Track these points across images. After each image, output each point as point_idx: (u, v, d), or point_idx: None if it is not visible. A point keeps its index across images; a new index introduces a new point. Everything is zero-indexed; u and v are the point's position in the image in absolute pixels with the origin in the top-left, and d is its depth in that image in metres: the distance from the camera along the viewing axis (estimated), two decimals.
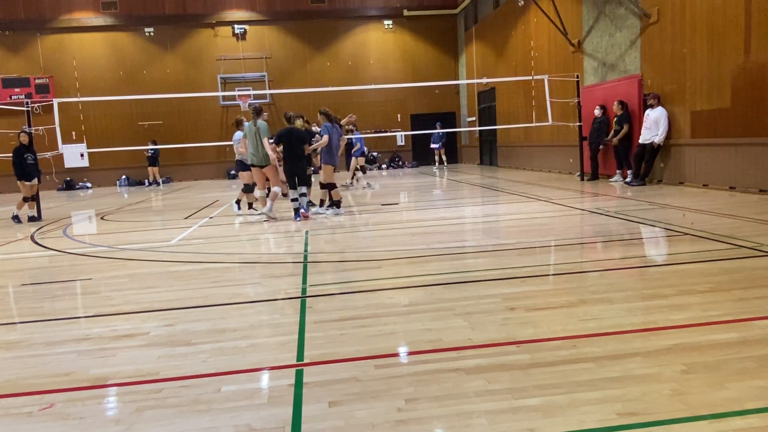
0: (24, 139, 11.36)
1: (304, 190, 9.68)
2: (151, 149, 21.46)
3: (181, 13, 23.89)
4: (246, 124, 9.77)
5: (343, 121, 10.92)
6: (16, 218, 11.40)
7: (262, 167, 9.56)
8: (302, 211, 9.55)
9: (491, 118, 21.78)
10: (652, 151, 11.50)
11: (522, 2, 17.94)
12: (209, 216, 10.91)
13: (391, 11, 24.86)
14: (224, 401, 2.82)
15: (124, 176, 23.83)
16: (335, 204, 9.96)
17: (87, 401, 2.92)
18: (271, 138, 9.62)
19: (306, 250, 6.79)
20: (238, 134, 10.69)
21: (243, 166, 10.42)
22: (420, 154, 25.52)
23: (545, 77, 14.53)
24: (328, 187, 10.04)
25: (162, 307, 4.62)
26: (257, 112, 9.56)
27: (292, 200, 9.61)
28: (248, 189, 10.68)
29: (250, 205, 10.78)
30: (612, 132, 12.70)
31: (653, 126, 11.36)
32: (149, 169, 22.23)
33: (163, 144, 20.90)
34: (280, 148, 9.48)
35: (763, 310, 3.71)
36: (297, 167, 9.44)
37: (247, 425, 2.57)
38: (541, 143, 17.74)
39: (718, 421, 2.37)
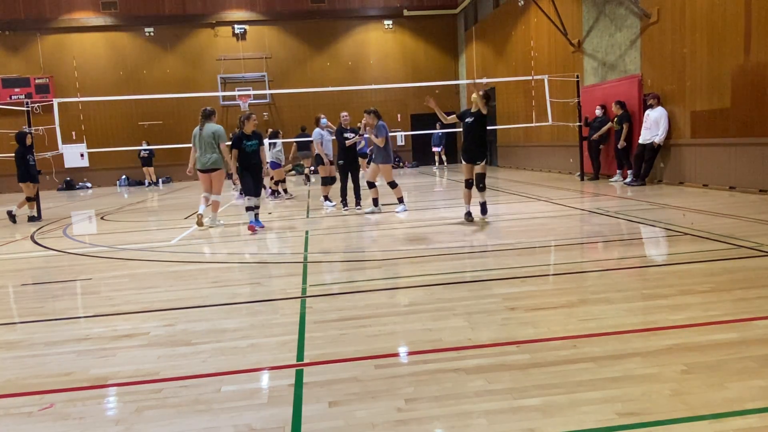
0: (28, 140, 11.33)
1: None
2: (146, 150, 21.58)
3: (181, 13, 23.88)
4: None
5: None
6: (12, 217, 11.17)
7: (209, 171, 8.92)
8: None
9: (491, 118, 21.76)
10: (652, 151, 11.50)
11: (522, 2, 17.94)
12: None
13: (391, 11, 24.85)
14: (224, 401, 2.82)
15: (124, 176, 23.83)
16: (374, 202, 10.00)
17: (87, 401, 2.92)
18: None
19: (306, 250, 6.79)
20: (318, 131, 11.27)
21: (320, 160, 11.37)
22: (420, 154, 25.52)
23: (545, 77, 14.53)
24: (392, 185, 9.81)
25: (162, 307, 4.62)
26: (207, 115, 8.89)
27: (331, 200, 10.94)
28: (328, 182, 11.30)
29: (326, 197, 11.42)
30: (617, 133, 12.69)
31: (653, 126, 11.36)
32: (144, 169, 22.36)
33: (163, 144, 20.88)
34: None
35: (763, 310, 3.71)
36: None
37: (247, 425, 2.57)
38: (541, 143, 17.74)
39: (718, 421, 2.37)
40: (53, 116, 12.95)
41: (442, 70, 25.19)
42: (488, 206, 8.47)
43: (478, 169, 8.08)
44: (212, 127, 8.83)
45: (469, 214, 8.22)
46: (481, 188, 8.24)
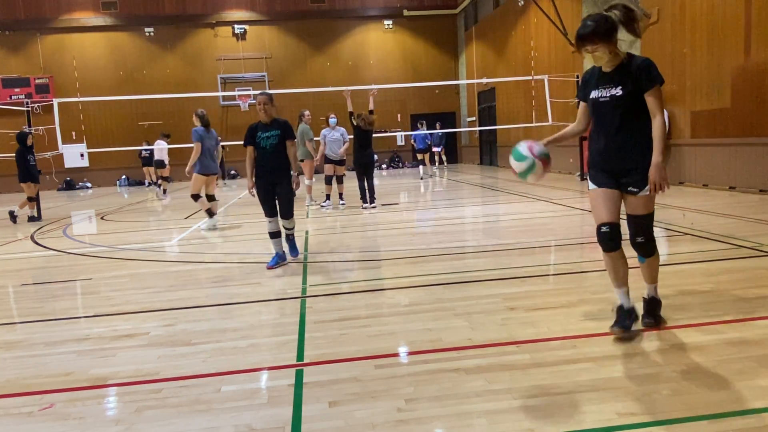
0: (29, 140, 11.33)
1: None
2: (147, 150, 21.56)
3: (181, 13, 23.90)
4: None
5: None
6: (13, 217, 11.25)
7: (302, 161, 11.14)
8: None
9: (491, 118, 21.78)
10: None
11: (522, 2, 17.94)
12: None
13: (391, 11, 24.87)
14: (224, 401, 2.82)
15: (124, 176, 23.84)
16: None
17: (87, 401, 2.92)
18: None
19: (306, 250, 6.79)
20: (323, 132, 11.74)
21: (327, 160, 11.38)
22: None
23: (545, 77, 14.54)
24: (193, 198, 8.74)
25: (162, 307, 4.62)
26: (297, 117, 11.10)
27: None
28: (328, 180, 11.45)
29: (328, 197, 11.60)
30: None
31: None
32: (144, 169, 22.34)
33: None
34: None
35: (763, 310, 3.71)
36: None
37: (247, 425, 2.57)
38: None
39: (718, 421, 2.37)
40: (53, 116, 12.97)
41: (442, 70, 25.20)
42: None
43: (631, 206, 3.44)
44: (300, 128, 10.75)
45: (629, 314, 3.41)
46: (643, 245, 3.56)
